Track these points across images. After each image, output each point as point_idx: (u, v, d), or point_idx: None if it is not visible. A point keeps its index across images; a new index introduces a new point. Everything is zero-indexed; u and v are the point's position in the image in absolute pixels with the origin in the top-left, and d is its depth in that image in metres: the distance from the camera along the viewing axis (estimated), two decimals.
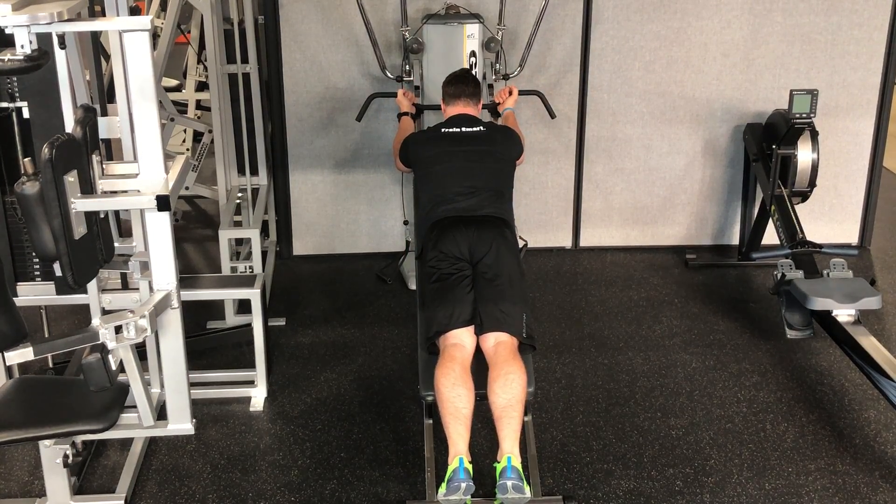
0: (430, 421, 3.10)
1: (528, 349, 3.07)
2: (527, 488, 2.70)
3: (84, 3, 2.45)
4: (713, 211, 4.99)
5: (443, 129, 3.58)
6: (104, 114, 3.02)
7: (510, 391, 2.84)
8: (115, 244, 2.87)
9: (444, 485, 2.72)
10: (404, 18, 4.32)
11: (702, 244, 5.03)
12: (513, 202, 3.54)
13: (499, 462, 2.77)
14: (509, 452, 2.74)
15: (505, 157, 3.54)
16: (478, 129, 3.56)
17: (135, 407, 2.62)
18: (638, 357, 3.86)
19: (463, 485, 2.68)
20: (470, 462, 2.75)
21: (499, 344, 2.99)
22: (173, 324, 2.58)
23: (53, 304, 3.42)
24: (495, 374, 2.89)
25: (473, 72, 4.18)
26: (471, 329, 3.03)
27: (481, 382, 2.92)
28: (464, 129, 3.55)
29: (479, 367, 2.97)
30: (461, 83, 3.72)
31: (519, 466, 2.72)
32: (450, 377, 2.86)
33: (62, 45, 2.41)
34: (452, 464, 2.74)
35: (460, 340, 3.00)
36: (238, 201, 4.47)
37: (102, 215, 2.65)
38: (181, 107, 6.03)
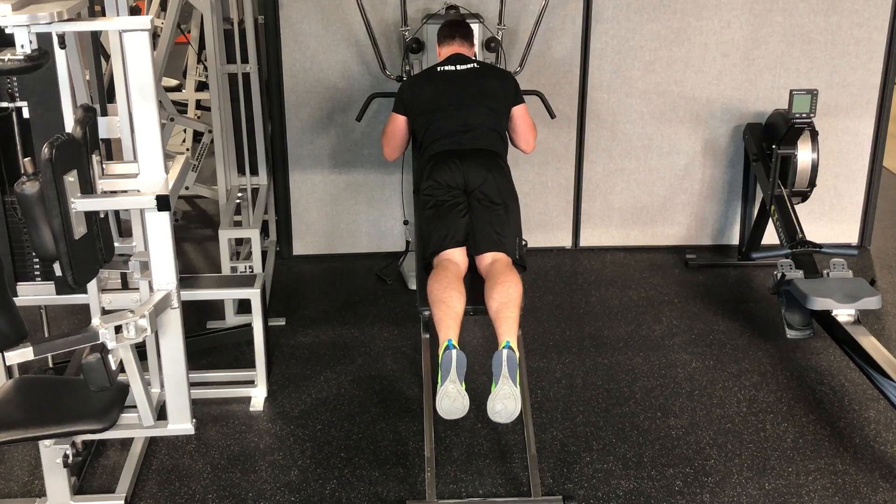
0: (427, 336, 3.23)
1: (519, 269, 3.22)
2: (518, 380, 2.80)
3: (84, 3, 2.45)
4: (713, 211, 5.00)
5: (438, 68, 3.71)
6: (104, 114, 3.02)
7: (506, 295, 3.01)
8: (115, 244, 2.87)
9: (439, 380, 2.79)
10: (404, 18, 4.32)
11: (702, 244, 5.03)
12: (507, 140, 3.67)
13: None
14: (507, 338, 2.88)
15: (499, 93, 3.66)
16: (471, 65, 3.71)
17: (135, 407, 2.62)
18: (638, 357, 3.86)
19: (454, 353, 2.80)
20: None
21: (495, 261, 3.19)
22: (173, 324, 2.58)
23: (53, 304, 3.42)
24: (492, 283, 3.07)
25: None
26: (463, 249, 3.25)
27: (475, 300, 3.09)
28: (458, 67, 3.69)
29: (473, 287, 3.14)
30: (455, 25, 3.91)
31: (516, 350, 2.85)
32: (442, 282, 3.06)
33: (62, 45, 2.41)
34: (442, 344, 2.88)
35: (454, 258, 3.22)
36: (238, 201, 4.46)
37: (102, 215, 2.65)
38: (181, 107, 6.03)
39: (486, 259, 3.23)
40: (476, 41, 4.19)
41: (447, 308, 2.99)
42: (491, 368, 2.83)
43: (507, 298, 3.01)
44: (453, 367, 2.80)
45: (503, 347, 2.85)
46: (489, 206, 3.31)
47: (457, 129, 3.51)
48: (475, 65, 3.72)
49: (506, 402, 2.76)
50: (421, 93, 3.67)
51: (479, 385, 3.45)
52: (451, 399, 2.76)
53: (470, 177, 3.36)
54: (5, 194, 3.05)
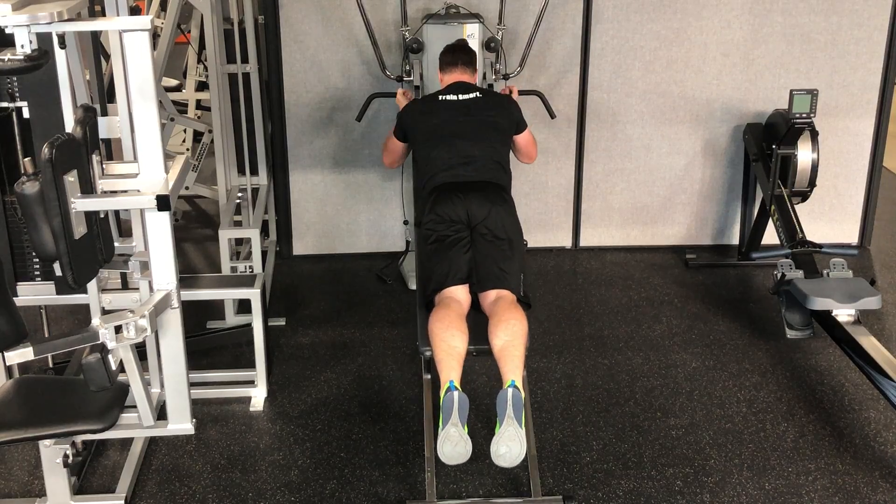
0: (429, 376, 3.15)
1: (524, 307, 3.12)
2: (523, 421, 2.71)
3: (84, 3, 2.45)
4: (713, 211, 5.00)
5: (440, 97, 3.65)
6: (104, 114, 3.02)
7: (511, 332, 2.91)
8: (115, 244, 2.87)
9: (440, 425, 2.72)
10: (404, 18, 4.32)
11: (702, 244, 5.03)
12: (510, 170, 3.58)
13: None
14: (512, 377, 2.78)
15: (502, 124, 3.60)
16: (474, 95, 3.63)
17: (135, 407, 2.62)
18: (638, 357, 3.86)
19: (456, 394, 2.72)
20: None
21: (499, 298, 3.09)
22: (173, 324, 2.58)
23: (53, 304, 3.43)
24: (496, 320, 2.97)
25: None
26: (466, 287, 3.14)
27: (478, 340, 2.97)
28: (460, 96, 3.62)
29: (476, 326, 3.02)
30: (458, 51, 3.82)
31: (521, 389, 2.75)
32: (444, 321, 2.96)
33: (62, 44, 2.41)
34: (444, 386, 2.78)
35: (456, 296, 3.11)
36: (238, 201, 4.46)
37: (102, 215, 2.65)
38: (181, 107, 6.03)
39: (490, 296, 3.11)
40: (476, 42, 4.19)
41: (449, 348, 2.89)
42: (495, 407, 2.75)
43: (511, 336, 2.90)
44: (455, 410, 2.70)
45: (507, 387, 2.75)
46: (493, 242, 3.20)
47: (459, 161, 3.42)
48: (478, 94, 3.64)
49: (510, 444, 2.66)
50: (422, 121, 3.61)
51: (478, 384, 3.45)
52: (453, 443, 2.67)
53: (473, 210, 3.25)
54: (5, 194, 3.05)
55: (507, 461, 2.69)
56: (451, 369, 2.84)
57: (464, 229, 3.24)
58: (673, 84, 4.75)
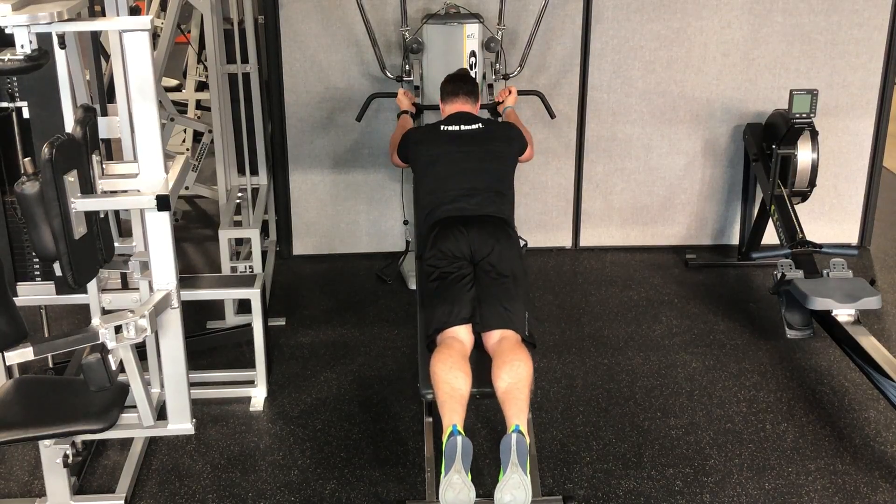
0: (430, 419, 3.08)
1: (529, 347, 3.04)
2: (528, 467, 2.62)
3: (84, 3, 2.45)
4: (713, 211, 5.00)
5: (442, 127, 3.56)
6: (104, 114, 3.02)
7: (516, 375, 2.80)
8: (115, 244, 2.87)
9: (442, 471, 2.63)
10: (404, 18, 4.32)
11: (702, 244, 5.03)
12: (513, 200, 3.51)
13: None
14: (517, 422, 2.68)
15: (504, 155, 3.52)
16: (476, 126, 3.54)
17: (135, 407, 2.62)
18: (638, 357, 3.86)
19: (459, 439, 2.62)
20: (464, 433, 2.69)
21: (503, 338, 2.97)
22: (173, 324, 2.58)
23: (53, 304, 3.42)
24: (500, 362, 2.86)
25: (473, 72, 4.19)
26: (469, 327, 3.01)
27: (482, 382, 2.87)
28: (462, 127, 3.53)
29: (479, 367, 2.93)
30: (459, 81, 3.73)
31: (526, 435, 2.65)
32: (447, 363, 2.84)
33: (62, 45, 2.41)
34: (447, 431, 2.66)
35: (458, 336, 2.98)
36: (238, 201, 4.47)
37: (102, 215, 2.65)
38: (181, 107, 6.03)
39: (494, 336, 2.99)
40: (476, 42, 4.20)
41: (452, 390, 2.78)
42: (499, 452, 2.66)
43: (516, 378, 2.79)
44: (458, 456, 2.60)
45: (512, 432, 2.64)
46: (497, 279, 3.08)
47: (461, 193, 3.32)
48: (480, 125, 3.55)
49: (515, 492, 2.56)
50: (423, 151, 3.53)
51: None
52: (456, 491, 2.56)
53: (476, 246, 3.15)
54: (5, 194, 3.06)
55: None
56: (454, 412, 2.73)
57: (466, 266, 3.14)
58: (673, 84, 4.75)
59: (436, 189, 3.39)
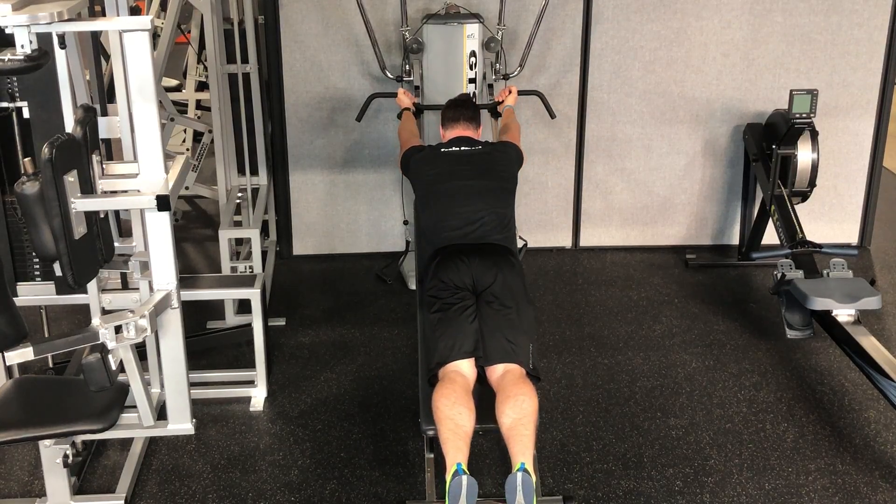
0: (432, 455, 2.98)
1: (533, 380, 2.90)
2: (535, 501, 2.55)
3: (84, 3, 2.45)
4: (713, 211, 5.00)
5: (442, 149, 3.49)
6: (104, 114, 3.02)
7: (521, 410, 2.71)
8: (115, 244, 2.87)
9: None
10: (404, 18, 4.32)
11: (702, 244, 5.03)
12: (515, 221, 3.43)
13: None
14: (522, 459, 2.60)
15: (505, 175, 3.44)
16: (477, 148, 3.48)
17: (135, 407, 2.62)
18: (638, 357, 3.86)
19: (464, 479, 2.53)
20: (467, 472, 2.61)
21: (507, 372, 2.87)
22: (173, 324, 2.58)
23: (53, 304, 3.42)
24: (504, 396, 2.76)
25: (473, 72, 4.19)
26: (472, 361, 2.91)
27: (484, 417, 2.76)
28: (463, 148, 3.47)
29: (483, 402, 2.81)
30: (460, 107, 3.66)
31: (532, 473, 2.57)
32: (450, 398, 2.74)
33: (62, 45, 2.41)
34: (450, 470, 2.58)
35: (461, 370, 2.89)
36: (238, 201, 4.47)
37: (102, 215, 2.65)
38: (181, 107, 6.03)
39: (497, 370, 2.88)
40: (476, 42, 4.19)
41: (455, 426, 2.68)
42: (499, 454, 2.64)
43: (520, 414, 2.69)
44: (463, 496, 2.51)
45: (517, 470, 2.55)
46: (500, 310, 2.98)
47: (463, 220, 3.23)
48: (480, 147, 3.49)
49: None
50: (424, 171, 3.46)
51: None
52: None
53: (479, 276, 3.05)
54: (5, 194, 3.06)
55: None
56: (457, 450, 2.64)
57: (469, 296, 3.04)
58: (673, 84, 4.75)
59: (437, 213, 3.31)
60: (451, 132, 3.59)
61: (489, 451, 3.17)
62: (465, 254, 3.12)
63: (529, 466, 2.58)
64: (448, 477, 2.57)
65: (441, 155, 3.47)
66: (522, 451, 2.63)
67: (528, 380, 2.85)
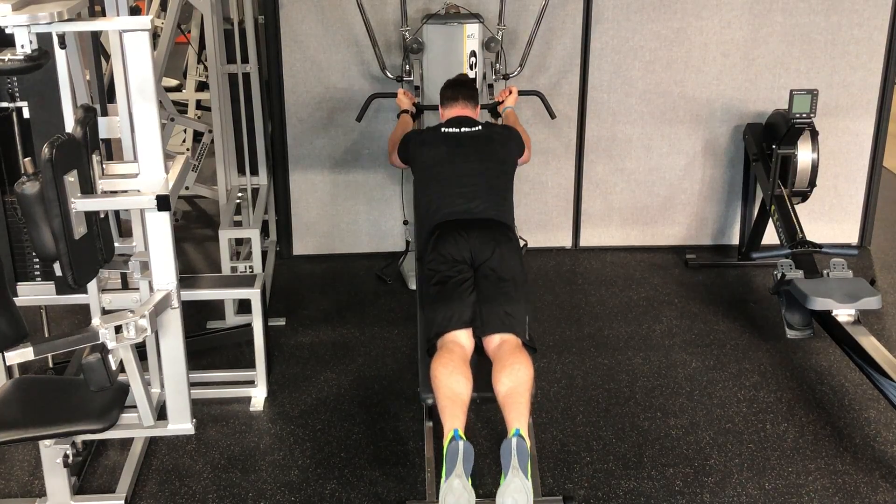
0: (431, 423, 3.07)
1: (529, 351, 3.00)
2: (529, 471, 2.61)
3: (84, 3, 2.45)
4: (713, 211, 5.00)
5: (443, 129, 3.56)
6: (104, 114, 3.02)
7: (516, 379, 2.80)
8: (115, 244, 2.87)
9: (443, 476, 2.62)
10: (404, 18, 4.32)
11: (702, 244, 5.03)
12: (513, 203, 3.51)
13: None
14: (517, 425, 2.67)
15: (505, 157, 3.52)
16: (476, 129, 3.55)
17: (135, 407, 2.62)
18: (638, 357, 3.86)
19: (461, 444, 2.61)
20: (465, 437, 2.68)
21: (504, 342, 2.96)
22: (173, 324, 2.58)
23: (53, 304, 3.42)
24: (500, 365, 2.85)
25: (473, 72, 4.19)
26: (469, 331, 3.00)
27: (482, 387, 2.85)
28: (463, 129, 3.53)
29: (480, 372, 2.90)
30: (459, 86, 3.73)
31: (526, 438, 2.64)
32: (448, 367, 2.83)
33: (62, 45, 2.41)
34: (447, 435, 2.65)
35: (459, 340, 2.98)
36: (238, 201, 4.47)
37: (102, 215, 2.65)
38: (181, 107, 6.04)
39: (494, 341, 2.98)
40: (476, 42, 4.19)
41: (453, 394, 2.77)
42: (499, 454, 2.66)
43: (516, 382, 2.78)
44: (459, 460, 2.59)
45: (512, 436, 2.63)
46: (497, 283, 3.07)
47: (462, 197, 3.32)
48: (480, 128, 3.56)
49: (516, 496, 2.54)
50: (423, 153, 3.52)
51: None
52: (456, 496, 2.55)
53: (477, 250, 3.14)
54: (5, 194, 3.06)
55: None
56: (454, 417, 2.72)
57: (467, 270, 3.13)
58: (673, 84, 4.75)
59: (436, 191, 3.39)
60: (450, 111, 3.67)
61: (487, 452, 3.17)
62: (463, 229, 3.20)
63: (524, 432, 2.65)
64: (445, 443, 2.65)
65: (441, 135, 3.54)
66: (518, 417, 2.70)
67: (524, 349, 2.94)
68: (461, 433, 2.66)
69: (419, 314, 3.25)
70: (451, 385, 2.79)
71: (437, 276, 3.12)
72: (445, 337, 2.98)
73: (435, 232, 3.25)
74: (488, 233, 3.19)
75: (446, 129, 3.55)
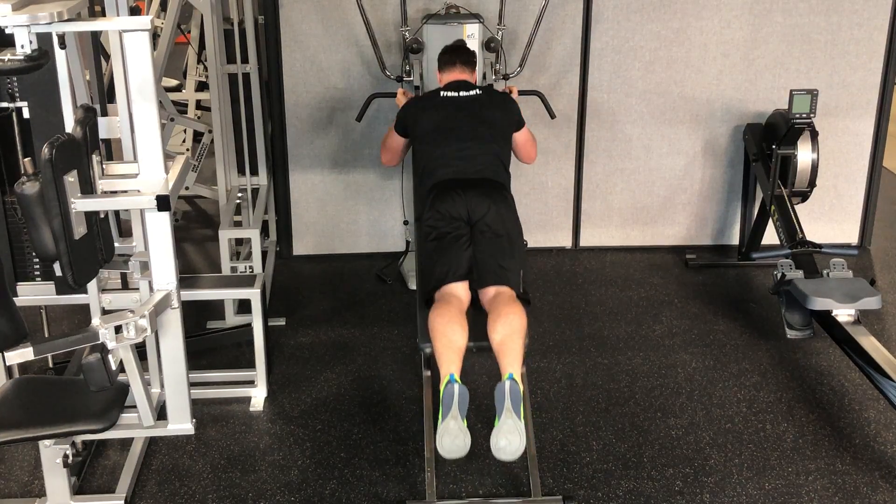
0: (429, 373, 3.15)
1: (524, 303, 3.10)
2: (522, 413, 2.71)
3: (84, 3, 2.45)
4: (713, 211, 5.00)
5: (441, 94, 3.67)
6: (104, 114, 3.02)
7: (510, 327, 2.91)
8: (115, 244, 2.87)
9: (440, 417, 2.71)
10: (404, 18, 4.32)
11: (702, 244, 5.03)
12: (509, 170, 3.57)
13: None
14: (511, 370, 2.79)
15: (502, 122, 3.62)
16: (474, 92, 3.65)
17: (135, 407, 2.62)
18: (638, 357, 3.86)
19: (456, 387, 2.73)
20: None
21: (499, 294, 3.09)
22: (173, 324, 2.58)
23: (53, 304, 3.42)
24: (495, 315, 2.97)
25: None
26: (466, 284, 3.14)
27: (477, 336, 2.97)
28: (461, 93, 3.64)
29: (476, 324, 3.01)
30: (456, 50, 3.84)
31: (519, 382, 2.76)
32: (445, 316, 2.96)
33: (62, 45, 2.41)
34: (444, 380, 2.78)
35: (456, 292, 3.11)
36: (238, 201, 4.47)
37: (102, 215, 2.65)
38: (181, 107, 6.03)
39: (489, 293, 3.12)
40: (476, 42, 4.19)
41: (449, 342, 2.89)
42: (495, 405, 2.75)
43: (510, 330, 2.90)
44: (455, 403, 2.71)
45: (506, 379, 2.76)
46: (493, 239, 3.21)
47: (459, 157, 3.44)
48: (478, 91, 3.67)
49: (510, 437, 2.65)
50: (423, 116, 3.63)
51: (479, 383, 3.45)
52: (452, 437, 2.67)
53: (473, 207, 3.24)
54: (5, 194, 3.06)
55: (508, 454, 2.67)
56: (450, 362, 2.85)
57: (463, 226, 3.24)
58: (673, 84, 4.75)
59: (434, 152, 3.50)
60: (448, 75, 3.78)
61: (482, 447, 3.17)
62: (460, 187, 3.31)
63: (517, 376, 2.78)
64: (441, 387, 2.78)
65: (440, 99, 3.66)
66: (511, 362, 2.83)
67: (518, 301, 3.07)
68: (457, 377, 2.79)
69: (417, 269, 3.42)
70: (447, 334, 2.91)
71: (435, 231, 3.25)
72: (443, 289, 3.12)
73: (433, 191, 3.36)
74: (484, 191, 3.29)
75: (445, 93, 3.66)
